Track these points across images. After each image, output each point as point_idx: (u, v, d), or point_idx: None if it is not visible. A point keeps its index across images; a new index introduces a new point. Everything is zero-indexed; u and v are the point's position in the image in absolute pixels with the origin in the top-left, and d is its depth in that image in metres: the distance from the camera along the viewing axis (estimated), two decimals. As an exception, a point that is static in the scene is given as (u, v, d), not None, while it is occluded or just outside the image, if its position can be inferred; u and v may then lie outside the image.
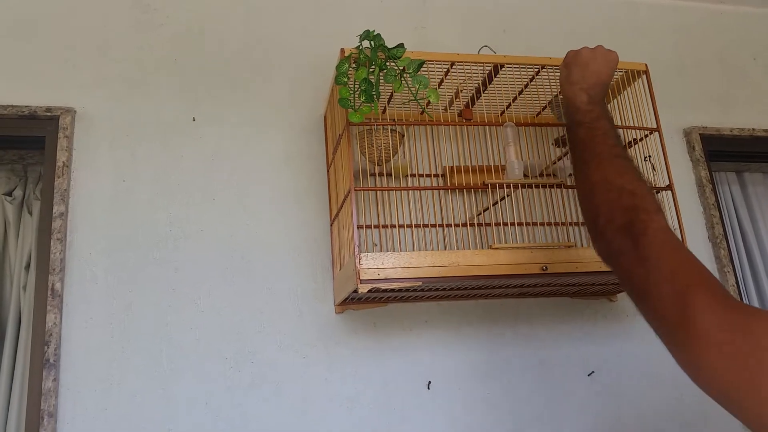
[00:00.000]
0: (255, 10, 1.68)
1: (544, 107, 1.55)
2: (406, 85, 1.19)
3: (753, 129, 1.90)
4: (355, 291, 1.18)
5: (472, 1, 1.86)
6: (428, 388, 1.46)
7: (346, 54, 1.24)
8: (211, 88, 1.57)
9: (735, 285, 1.71)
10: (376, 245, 1.48)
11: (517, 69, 1.39)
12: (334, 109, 1.41)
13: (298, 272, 1.47)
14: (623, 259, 0.82)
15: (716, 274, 1.72)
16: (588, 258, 1.27)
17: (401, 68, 1.19)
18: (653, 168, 1.42)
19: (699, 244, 1.75)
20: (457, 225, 1.50)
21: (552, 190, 1.38)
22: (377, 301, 1.45)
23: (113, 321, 1.35)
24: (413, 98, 1.19)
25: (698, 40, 2.02)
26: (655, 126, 1.42)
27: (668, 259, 0.77)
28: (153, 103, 1.53)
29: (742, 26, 2.08)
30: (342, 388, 1.41)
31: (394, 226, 1.41)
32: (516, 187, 1.35)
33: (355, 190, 1.23)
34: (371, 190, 1.32)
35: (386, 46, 1.20)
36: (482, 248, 1.33)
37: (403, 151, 1.49)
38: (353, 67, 1.23)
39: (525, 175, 1.40)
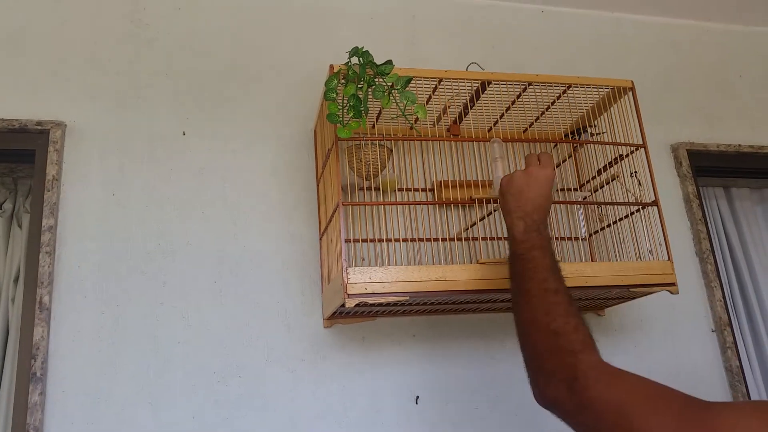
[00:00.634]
0: (246, 24, 1.69)
1: (531, 123, 1.56)
2: (394, 101, 1.20)
3: (739, 145, 1.93)
4: (343, 305, 1.18)
5: (461, 18, 1.88)
6: (416, 403, 1.46)
7: (335, 70, 1.25)
8: (201, 102, 1.58)
9: (722, 300, 1.72)
10: (363, 259, 1.49)
11: (505, 86, 1.40)
12: (323, 124, 1.42)
13: (286, 286, 1.47)
14: (562, 410, 0.79)
15: (703, 290, 1.74)
16: (574, 273, 1.27)
17: (389, 84, 1.20)
18: (639, 183, 1.44)
19: (686, 259, 1.76)
20: (445, 239, 1.51)
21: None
22: (365, 316, 1.45)
23: (101, 334, 1.35)
24: (401, 114, 1.20)
25: (685, 57, 2.05)
26: (641, 142, 1.43)
27: (608, 398, 0.73)
28: (143, 117, 1.54)
29: (729, 44, 2.11)
30: (330, 402, 1.41)
31: (382, 240, 1.42)
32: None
33: (343, 204, 1.24)
34: (359, 204, 1.33)
35: (375, 63, 1.22)
36: (470, 263, 1.34)
37: (392, 166, 1.50)
38: (342, 83, 1.24)
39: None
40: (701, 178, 1.93)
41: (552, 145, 1.63)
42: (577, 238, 1.60)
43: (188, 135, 1.54)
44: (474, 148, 1.57)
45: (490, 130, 1.56)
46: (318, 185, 1.54)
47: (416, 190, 1.57)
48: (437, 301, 1.33)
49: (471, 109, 1.46)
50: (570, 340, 0.82)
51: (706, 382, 1.65)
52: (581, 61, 1.92)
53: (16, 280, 1.57)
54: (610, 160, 1.48)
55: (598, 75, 1.56)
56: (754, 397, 1.77)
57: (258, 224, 1.51)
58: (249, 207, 1.52)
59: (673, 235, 1.56)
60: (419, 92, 1.36)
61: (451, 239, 1.51)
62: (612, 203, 1.45)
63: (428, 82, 1.36)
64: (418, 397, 1.46)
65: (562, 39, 1.95)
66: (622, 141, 1.44)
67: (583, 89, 1.45)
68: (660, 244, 1.37)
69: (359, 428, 1.41)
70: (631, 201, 1.42)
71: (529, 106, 1.48)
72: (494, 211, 1.34)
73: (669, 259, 1.35)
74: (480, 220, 1.40)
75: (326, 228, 1.41)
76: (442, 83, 1.36)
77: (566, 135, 1.62)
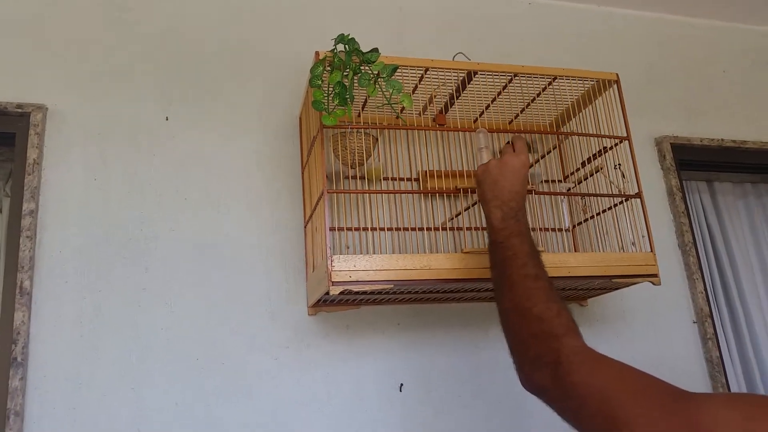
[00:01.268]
0: (232, 10, 1.68)
1: (517, 115, 1.56)
2: (380, 90, 1.20)
3: (722, 140, 1.95)
4: (327, 293, 1.19)
5: (448, 9, 1.88)
6: (400, 391, 1.46)
7: (321, 57, 1.24)
8: (185, 88, 1.57)
9: (704, 292, 1.75)
10: (348, 248, 1.49)
11: (491, 76, 1.40)
12: (308, 112, 1.41)
13: (270, 274, 1.47)
14: (548, 395, 0.80)
15: (685, 282, 1.76)
16: (558, 263, 1.28)
17: (376, 73, 1.20)
18: (623, 176, 1.45)
19: (669, 251, 1.78)
20: (430, 229, 1.52)
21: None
22: (350, 304, 1.45)
23: (83, 320, 1.34)
24: (387, 103, 1.20)
25: (670, 51, 2.06)
26: (625, 135, 1.44)
27: (591, 383, 0.73)
28: (126, 102, 1.52)
29: (713, 39, 2.13)
30: (314, 390, 1.41)
31: (367, 229, 1.42)
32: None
33: (328, 192, 1.24)
34: (344, 192, 1.33)
35: (360, 50, 1.21)
36: (455, 252, 1.34)
37: (378, 155, 1.50)
38: (328, 70, 1.23)
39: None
40: (684, 171, 1.95)
41: (537, 136, 1.64)
42: (560, 229, 1.61)
43: (171, 120, 1.53)
44: (460, 138, 1.57)
45: (476, 120, 1.56)
46: (303, 173, 1.53)
47: (402, 179, 1.57)
48: (422, 290, 1.33)
49: (457, 99, 1.46)
50: (553, 325, 0.83)
51: (687, 373, 1.67)
52: (567, 53, 1.93)
53: (-3, 265, 1.56)
54: (594, 152, 1.49)
55: (584, 67, 1.57)
56: (733, 387, 1.79)
57: (242, 211, 1.50)
58: (233, 194, 1.51)
59: (656, 228, 1.58)
60: (405, 81, 1.36)
61: (436, 229, 1.52)
62: (596, 195, 1.46)
63: (414, 72, 1.36)
64: (402, 384, 1.47)
65: (549, 31, 1.95)
66: (607, 133, 1.45)
67: (568, 81, 1.45)
68: (643, 236, 1.38)
69: (343, 416, 1.41)
70: (614, 193, 1.43)
71: (515, 97, 1.49)
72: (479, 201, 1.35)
73: (651, 251, 1.37)
74: (465, 210, 1.40)
75: (311, 216, 1.40)
76: (428, 72, 1.36)
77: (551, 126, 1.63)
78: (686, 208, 1.84)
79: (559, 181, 1.64)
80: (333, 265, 1.17)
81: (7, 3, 1.54)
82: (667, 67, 2.03)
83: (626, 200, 1.42)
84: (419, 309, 1.54)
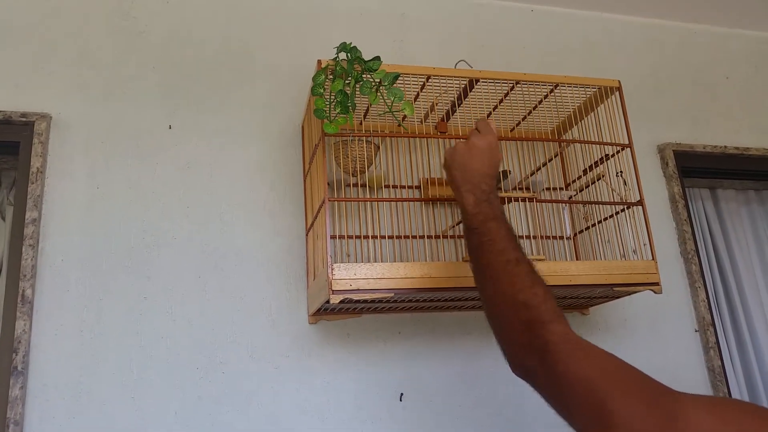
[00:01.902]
0: (235, 19, 1.69)
1: (519, 122, 1.56)
2: (381, 98, 1.20)
3: (725, 146, 1.94)
4: (328, 301, 1.18)
5: (450, 17, 1.88)
6: (400, 400, 1.46)
7: (323, 65, 1.25)
8: (188, 97, 1.57)
9: (706, 300, 1.74)
10: (349, 256, 1.48)
11: (493, 84, 1.40)
12: (311, 120, 1.42)
13: (271, 282, 1.47)
14: (537, 380, 0.79)
15: (687, 290, 1.75)
16: (559, 271, 1.28)
17: (377, 81, 1.20)
18: (625, 183, 1.44)
19: (671, 259, 1.77)
20: (431, 237, 1.51)
21: (525, 203, 1.40)
22: (350, 312, 1.45)
23: (84, 328, 1.34)
24: (389, 111, 1.20)
25: (672, 58, 2.06)
26: (627, 142, 1.44)
27: (578, 371, 0.73)
28: (129, 111, 1.52)
29: (715, 46, 2.13)
30: (314, 398, 1.41)
31: (368, 237, 1.42)
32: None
33: (330, 200, 1.24)
34: (345, 200, 1.33)
35: (362, 59, 1.22)
36: (456, 260, 1.34)
37: (379, 163, 1.50)
38: (330, 79, 1.24)
39: (498, 189, 1.42)
40: (687, 178, 1.95)
41: (539, 143, 1.64)
42: (562, 237, 1.61)
43: (174, 129, 1.54)
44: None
45: (477, 128, 1.56)
46: (305, 181, 1.53)
47: (403, 187, 1.57)
48: (423, 299, 1.33)
49: (459, 106, 1.46)
50: (540, 311, 0.82)
51: (689, 382, 1.66)
52: (569, 60, 1.93)
53: (-1, 272, 1.56)
54: (596, 159, 1.48)
55: (586, 75, 1.57)
56: (735, 396, 1.78)
57: (244, 219, 1.50)
58: (235, 202, 1.51)
59: (658, 235, 1.57)
60: (407, 89, 1.36)
61: (438, 237, 1.52)
62: (598, 203, 1.45)
63: (416, 79, 1.36)
64: (402, 394, 1.46)
65: (551, 38, 1.95)
66: (609, 141, 1.45)
67: (570, 88, 1.46)
68: (644, 244, 1.38)
69: (343, 425, 1.41)
70: (616, 200, 1.43)
71: (516, 104, 1.49)
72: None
73: (653, 259, 1.36)
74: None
75: (312, 224, 1.40)
76: (430, 80, 1.36)
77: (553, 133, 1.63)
78: (689, 215, 1.83)
79: (561, 188, 1.64)
80: (334, 273, 1.17)
81: (11, 12, 1.55)
82: (669, 74, 2.03)
83: (628, 208, 1.41)
84: (420, 317, 1.54)
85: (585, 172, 1.53)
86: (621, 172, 1.44)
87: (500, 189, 1.29)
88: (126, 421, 1.30)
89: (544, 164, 1.58)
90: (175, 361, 1.36)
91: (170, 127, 1.53)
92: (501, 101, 1.47)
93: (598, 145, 1.47)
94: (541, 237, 1.44)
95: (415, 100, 1.43)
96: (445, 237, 1.53)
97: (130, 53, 1.58)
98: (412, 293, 1.23)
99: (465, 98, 1.44)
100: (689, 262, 1.77)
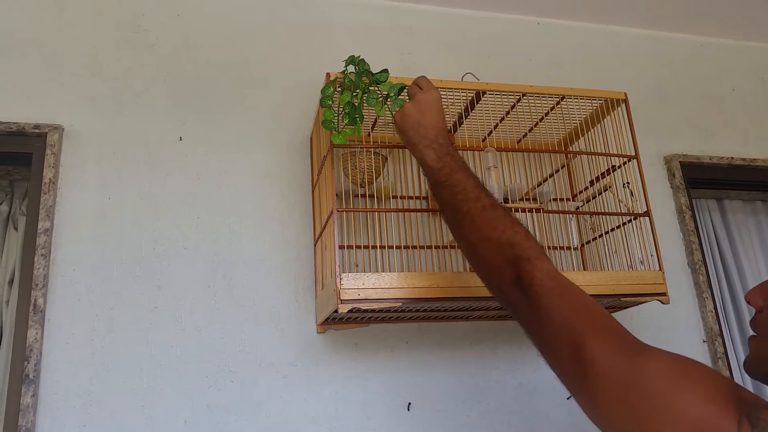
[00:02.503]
0: (244, 31, 1.71)
1: (525, 134, 1.58)
2: (387, 109, 1.21)
3: (731, 158, 1.94)
4: (336, 311, 1.19)
5: (456, 29, 1.90)
6: (408, 410, 1.46)
7: (332, 78, 1.26)
8: (198, 108, 1.59)
9: (713, 311, 1.74)
10: (357, 265, 1.49)
11: (499, 96, 1.42)
12: (319, 131, 1.43)
13: (280, 291, 1.48)
14: (521, 314, 0.83)
15: (695, 301, 1.75)
16: (566, 282, 1.28)
17: (385, 94, 1.21)
18: (632, 194, 1.45)
19: (678, 270, 1.77)
20: (438, 247, 1.52)
21: (532, 214, 1.41)
22: (358, 322, 1.46)
23: (95, 337, 1.36)
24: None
25: (678, 70, 2.07)
26: (634, 153, 1.45)
27: (558, 308, 0.78)
28: (140, 122, 1.55)
29: (721, 58, 2.14)
30: (322, 408, 1.42)
31: (376, 247, 1.43)
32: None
33: (338, 211, 1.25)
34: (353, 211, 1.34)
35: (370, 71, 1.23)
36: (464, 270, 1.35)
37: (387, 174, 1.51)
38: (338, 91, 1.25)
39: (506, 200, 1.43)
40: (694, 190, 1.95)
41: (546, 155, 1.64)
42: (569, 248, 1.61)
43: (185, 140, 1.55)
44: (469, 157, 1.58)
45: (484, 139, 1.57)
46: (313, 191, 1.55)
47: (411, 197, 1.58)
48: (430, 308, 1.33)
49: (466, 118, 1.47)
50: (525, 248, 0.85)
51: (697, 393, 1.65)
52: (575, 72, 1.94)
53: (11, 282, 1.58)
54: (603, 171, 1.49)
55: (592, 87, 1.58)
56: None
57: (253, 229, 1.52)
58: (244, 212, 1.52)
59: (665, 246, 1.58)
60: (414, 101, 1.37)
61: (445, 247, 1.52)
62: (604, 213, 1.46)
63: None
64: (410, 403, 1.47)
65: (557, 51, 1.97)
66: (615, 152, 1.45)
67: (576, 101, 1.47)
68: (651, 255, 1.38)
69: (351, 434, 1.41)
70: (623, 211, 1.44)
71: (523, 116, 1.50)
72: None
73: (660, 269, 1.37)
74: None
75: (321, 234, 1.42)
76: (437, 92, 1.37)
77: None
78: (696, 226, 1.83)
79: (568, 199, 1.65)
80: (342, 283, 1.18)
81: (23, 25, 1.57)
82: (675, 85, 2.04)
83: (635, 219, 1.42)
84: (428, 327, 1.54)
85: (592, 183, 1.54)
86: (628, 183, 1.45)
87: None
88: (136, 430, 1.31)
89: (551, 175, 1.59)
90: (184, 370, 1.37)
91: (181, 139, 1.55)
92: (508, 113, 1.48)
93: (604, 157, 1.48)
94: (549, 247, 1.45)
95: (423, 111, 1.44)
96: (452, 247, 1.54)
97: (141, 65, 1.60)
98: (420, 303, 1.23)
99: (472, 110, 1.45)
100: (696, 272, 1.77)
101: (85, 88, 1.55)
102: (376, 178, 1.43)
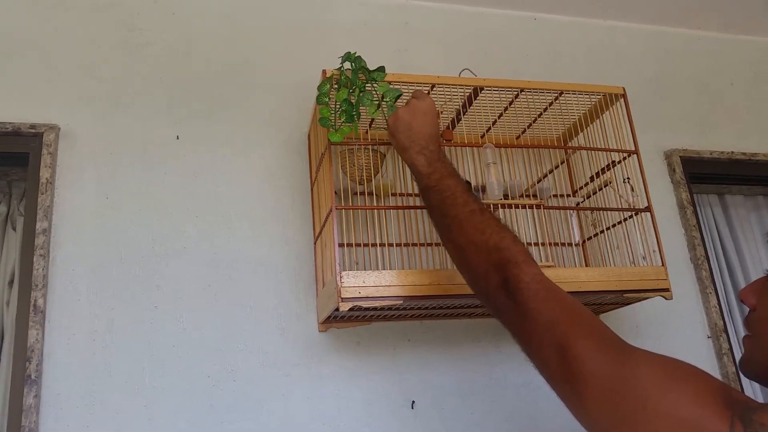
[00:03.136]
0: (241, 30, 1.70)
1: (524, 130, 1.57)
2: (382, 113, 1.20)
3: (732, 152, 1.94)
4: (337, 309, 1.19)
5: (453, 25, 1.89)
6: (412, 408, 1.46)
7: (328, 75, 1.26)
8: (195, 107, 1.59)
9: (717, 306, 1.73)
10: (357, 263, 1.49)
11: (497, 92, 1.41)
12: (317, 129, 1.43)
13: (281, 290, 1.47)
14: (507, 317, 0.84)
15: (698, 296, 1.75)
16: (568, 278, 1.28)
17: (381, 96, 1.20)
18: (632, 189, 1.44)
19: (681, 266, 1.77)
20: (438, 244, 1.52)
21: (532, 210, 1.40)
22: (360, 320, 1.45)
23: (95, 337, 1.35)
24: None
25: (677, 64, 2.07)
26: (633, 149, 1.44)
27: (544, 311, 0.79)
28: (137, 121, 1.54)
29: (720, 52, 2.13)
30: (324, 406, 1.41)
31: (376, 245, 1.43)
32: (495, 207, 1.37)
33: (337, 208, 1.25)
34: (352, 208, 1.33)
35: (367, 68, 1.22)
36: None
37: (385, 171, 1.50)
38: (335, 88, 1.25)
39: (505, 196, 1.42)
40: (695, 185, 1.94)
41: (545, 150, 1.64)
42: (570, 244, 1.61)
43: (182, 139, 1.55)
44: (467, 153, 1.58)
45: (483, 135, 1.57)
46: (312, 189, 1.54)
47: (410, 195, 1.58)
48: (432, 306, 1.33)
49: (464, 114, 1.47)
50: (512, 252, 0.86)
51: (701, 388, 1.64)
52: (573, 68, 1.94)
53: (11, 283, 1.58)
54: (603, 166, 1.49)
55: (591, 82, 1.57)
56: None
57: (252, 228, 1.51)
58: (243, 211, 1.52)
59: (667, 242, 1.57)
60: (413, 98, 1.36)
61: (445, 244, 1.52)
62: (605, 209, 1.45)
63: (421, 88, 1.37)
64: (413, 401, 1.46)
65: (555, 46, 1.96)
66: (615, 147, 1.45)
67: (575, 96, 1.46)
68: (654, 251, 1.38)
69: (353, 433, 1.41)
70: (624, 207, 1.43)
71: (521, 112, 1.49)
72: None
73: (663, 265, 1.36)
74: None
75: (320, 232, 1.41)
76: (434, 89, 1.37)
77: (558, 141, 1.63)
78: (697, 221, 1.83)
79: (568, 195, 1.64)
80: (342, 281, 1.18)
81: (19, 25, 1.57)
82: (674, 80, 2.03)
83: (636, 214, 1.41)
84: (430, 325, 1.54)
85: (592, 178, 1.53)
86: (628, 178, 1.45)
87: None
88: (138, 429, 1.31)
89: (551, 171, 1.58)
90: (186, 370, 1.37)
91: (177, 138, 1.55)
92: (506, 109, 1.47)
93: (604, 152, 1.47)
94: (550, 244, 1.44)
95: (422, 108, 1.43)
96: (452, 244, 1.53)
97: (137, 65, 1.60)
98: (421, 300, 1.23)
99: (470, 106, 1.45)
100: (699, 268, 1.76)
101: (81, 88, 1.54)
102: (375, 176, 1.43)
